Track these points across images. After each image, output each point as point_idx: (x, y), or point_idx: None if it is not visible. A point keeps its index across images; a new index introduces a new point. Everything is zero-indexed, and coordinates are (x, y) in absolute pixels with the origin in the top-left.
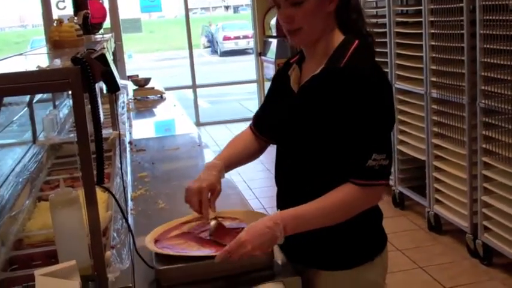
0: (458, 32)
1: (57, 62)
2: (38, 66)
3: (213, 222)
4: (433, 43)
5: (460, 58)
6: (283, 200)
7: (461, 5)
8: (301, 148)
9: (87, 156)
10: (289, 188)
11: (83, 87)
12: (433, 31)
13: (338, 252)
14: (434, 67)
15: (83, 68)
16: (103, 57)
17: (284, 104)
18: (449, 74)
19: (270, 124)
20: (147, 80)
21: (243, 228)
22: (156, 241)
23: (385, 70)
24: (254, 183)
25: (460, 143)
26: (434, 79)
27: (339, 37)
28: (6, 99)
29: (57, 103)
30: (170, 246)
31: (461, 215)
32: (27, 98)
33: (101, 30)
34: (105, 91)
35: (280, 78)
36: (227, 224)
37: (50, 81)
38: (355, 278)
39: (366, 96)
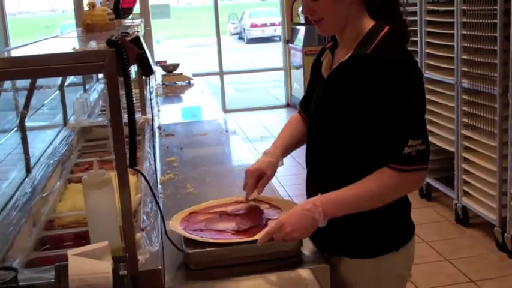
0: (491, 21)
1: (93, 45)
2: (74, 48)
3: (250, 203)
4: (465, 32)
5: (492, 48)
6: (312, 184)
7: None
8: (331, 134)
9: (121, 138)
10: (319, 172)
11: (117, 70)
12: (465, 20)
13: (363, 240)
14: (465, 57)
15: (118, 51)
16: (137, 40)
17: (317, 90)
18: (481, 64)
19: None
20: (176, 66)
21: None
22: (190, 216)
23: (415, 59)
24: (280, 171)
25: (490, 134)
26: (465, 69)
27: (368, 23)
28: (38, 82)
29: (87, 87)
30: (198, 227)
31: (489, 208)
32: (58, 81)
33: (131, 16)
34: (133, 75)
35: (316, 64)
36: (271, 212)
37: (85, 63)
38: (379, 267)
39: (396, 83)
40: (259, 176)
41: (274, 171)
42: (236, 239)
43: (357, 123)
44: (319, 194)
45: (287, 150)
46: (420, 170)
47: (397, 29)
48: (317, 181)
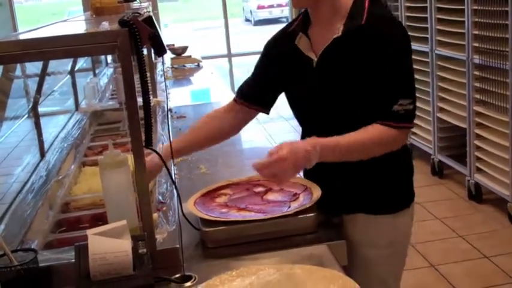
0: None
1: (105, 25)
2: (87, 29)
3: None
4: (476, 7)
5: (503, 22)
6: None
7: None
8: (333, 106)
9: (136, 118)
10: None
11: (131, 50)
12: None
13: (381, 196)
14: (476, 32)
15: (131, 31)
16: (150, 20)
17: (302, 73)
18: (492, 39)
19: (265, 95)
20: (184, 49)
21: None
22: (201, 199)
23: (425, 36)
24: None
25: (502, 110)
26: (476, 44)
27: None
28: (50, 68)
29: (96, 71)
30: (213, 209)
31: (502, 184)
32: (69, 66)
33: None
34: None
35: (282, 49)
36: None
37: (98, 43)
38: (394, 224)
39: (392, 45)
40: None
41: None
42: (252, 216)
43: (356, 89)
44: None
45: (182, 151)
46: (406, 128)
47: None
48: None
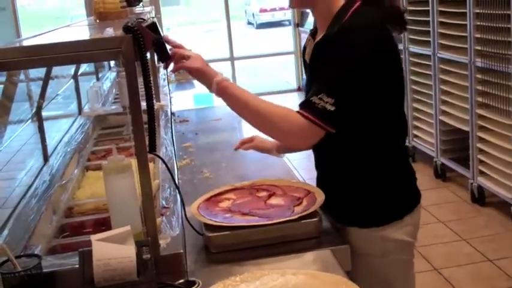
0: None
1: (110, 31)
2: (91, 35)
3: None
4: (478, 10)
5: (506, 26)
6: (320, 164)
7: None
8: None
9: (139, 123)
10: (324, 154)
11: (135, 56)
12: None
13: (369, 210)
14: (478, 35)
15: (135, 37)
16: (154, 26)
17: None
18: (494, 42)
19: None
20: None
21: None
22: (204, 204)
23: (428, 39)
24: (292, 155)
25: (505, 113)
26: (478, 48)
27: (339, 1)
28: (53, 72)
29: (99, 76)
30: (216, 213)
31: (505, 187)
32: (72, 70)
33: (141, 3)
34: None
35: (303, 53)
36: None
37: (102, 49)
38: (384, 236)
39: (348, 44)
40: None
41: (261, 147)
42: (256, 221)
43: None
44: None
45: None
46: (316, 125)
47: (369, 3)
48: (326, 162)
